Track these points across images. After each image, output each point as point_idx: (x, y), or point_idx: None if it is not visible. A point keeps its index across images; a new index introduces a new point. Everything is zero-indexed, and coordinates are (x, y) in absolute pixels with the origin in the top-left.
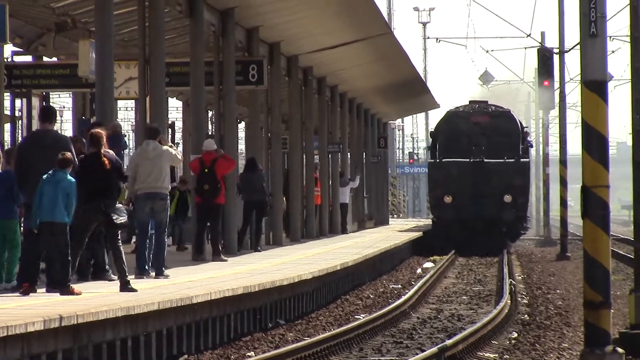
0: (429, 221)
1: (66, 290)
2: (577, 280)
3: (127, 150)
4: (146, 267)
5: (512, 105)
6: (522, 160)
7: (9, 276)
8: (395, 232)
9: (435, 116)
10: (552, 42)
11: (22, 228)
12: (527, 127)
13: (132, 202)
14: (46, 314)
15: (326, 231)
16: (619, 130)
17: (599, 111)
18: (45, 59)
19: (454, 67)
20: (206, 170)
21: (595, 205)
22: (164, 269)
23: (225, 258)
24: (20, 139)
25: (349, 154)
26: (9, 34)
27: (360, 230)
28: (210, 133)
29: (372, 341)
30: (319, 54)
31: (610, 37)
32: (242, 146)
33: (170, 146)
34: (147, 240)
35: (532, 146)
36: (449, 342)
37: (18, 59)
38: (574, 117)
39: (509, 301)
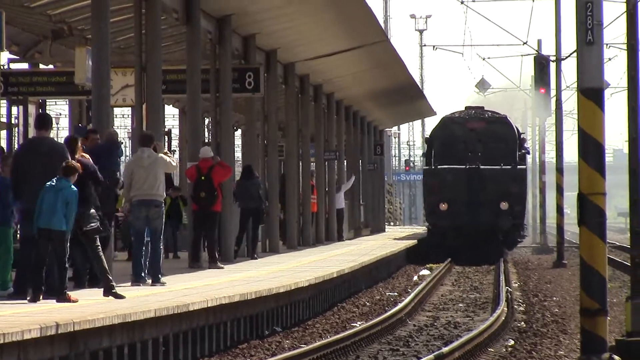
0: (425, 229)
1: (63, 298)
2: (574, 288)
3: (122, 157)
4: (142, 274)
5: (508, 113)
6: (518, 167)
7: (4, 284)
8: (392, 240)
9: (432, 123)
10: (548, 50)
11: (18, 235)
12: (523, 133)
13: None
14: (42, 321)
15: (322, 238)
16: (615, 138)
17: (596, 119)
18: (41, 66)
19: (450, 75)
20: (203, 177)
21: (591, 213)
22: (160, 276)
23: (222, 265)
24: (16, 146)
25: (345, 161)
26: (6, 41)
27: (357, 237)
28: (206, 140)
29: (368, 349)
30: (315, 61)
31: (607, 44)
32: (238, 154)
33: (165, 153)
34: (143, 248)
35: (529, 153)
36: (445, 349)
37: (14, 66)
38: (570, 125)
39: (506, 308)
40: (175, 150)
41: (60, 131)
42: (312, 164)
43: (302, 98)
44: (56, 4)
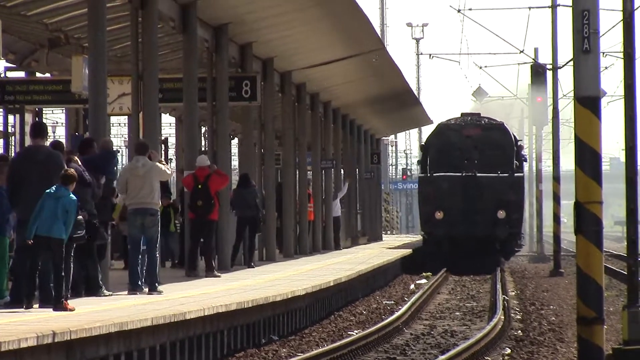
0: (420, 237)
1: (60, 306)
2: (571, 296)
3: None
4: (139, 283)
5: (505, 121)
6: (516, 174)
7: (0, 292)
8: (388, 248)
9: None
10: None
11: (14, 243)
12: (521, 140)
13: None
14: (39, 330)
15: (319, 247)
16: (612, 146)
17: (592, 127)
18: (38, 74)
19: (447, 83)
20: (199, 186)
21: (588, 221)
22: (157, 284)
23: (219, 274)
24: (13, 154)
25: (342, 170)
26: (2, 49)
27: (354, 246)
28: (203, 149)
29: (365, 357)
30: (312, 70)
31: (603, 53)
32: (235, 162)
33: (160, 161)
34: (139, 256)
35: (526, 160)
36: (442, 358)
37: (11, 74)
38: (567, 133)
39: (502, 317)
40: (171, 159)
41: (57, 139)
42: (308, 172)
43: (299, 106)
44: (53, 12)
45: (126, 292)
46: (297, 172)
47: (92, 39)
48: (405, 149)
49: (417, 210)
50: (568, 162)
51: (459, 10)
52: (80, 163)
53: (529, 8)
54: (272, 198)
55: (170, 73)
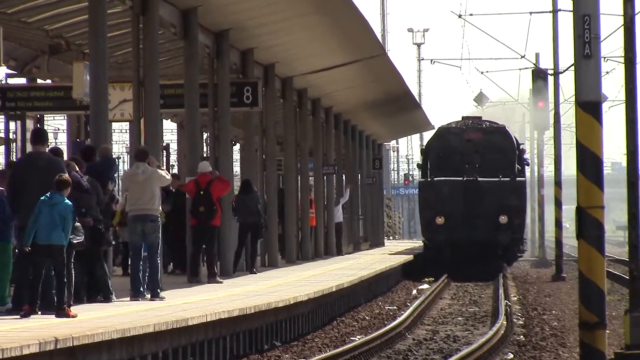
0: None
1: (62, 313)
2: (573, 301)
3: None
4: (141, 289)
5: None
6: (518, 179)
7: (2, 299)
8: (391, 254)
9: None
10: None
11: (16, 250)
12: (522, 144)
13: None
14: (41, 337)
15: (321, 253)
16: (613, 151)
17: (594, 132)
18: (39, 81)
19: (448, 89)
20: (201, 192)
21: (590, 226)
22: (159, 290)
23: (221, 280)
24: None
25: (343, 175)
26: (3, 56)
27: (356, 251)
28: (205, 155)
29: None
30: (313, 75)
31: (604, 58)
32: (237, 168)
33: (158, 166)
34: (141, 262)
35: (528, 164)
36: None
37: (12, 81)
38: (568, 138)
39: (505, 322)
40: (173, 165)
41: (59, 146)
42: (310, 178)
43: (300, 112)
44: (53, 19)
45: (128, 299)
46: (299, 178)
47: (93, 45)
48: (407, 154)
49: (419, 215)
50: (570, 166)
51: (459, 16)
52: (77, 170)
53: (530, 13)
54: (273, 204)
55: (172, 79)
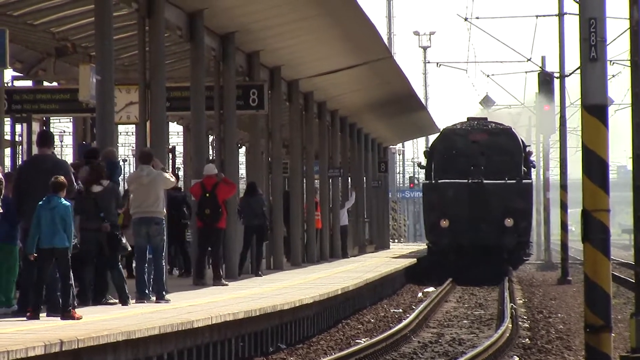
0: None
1: (67, 315)
2: (578, 304)
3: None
4: (146, 292)
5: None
6: (524, 181)
7: (8, 301)
8: (396, 257)
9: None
10: (552, 67)
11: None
12: (529, 145)
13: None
14: (47, 339)
15: (327, 255)
16: (619, 155)
17: (599, 135)
18: (45, 83)
19: (454, 92)
20: (207, 194)
21: (595, 229)
22: (164, 293)
23: (226, 282)
24: (20, 163)
25: (349, 178)
26: (9, 58)
27: (361, 254)
28: (211, 158)
29: None
30: (319, 78)
31: (610, 61)
32: (242, 171)
33: (163, 169)
34: (146, 265)
35: (534, 166)
36: None
37: (18, 83)
38: (574, 142)
39: (510, 325)
40: (179, 168)
41: (65, 148)
42: (316, 181)
43: (306, 115)
44: (60, 21)
45: (134, 301)
46: (305, 181)
47: (99, 47)
48: (412, 157)
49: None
50: (575, 170)
51: (466, 19)
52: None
53: (536, 16)
54: (279, 206)
55: (178, 82)
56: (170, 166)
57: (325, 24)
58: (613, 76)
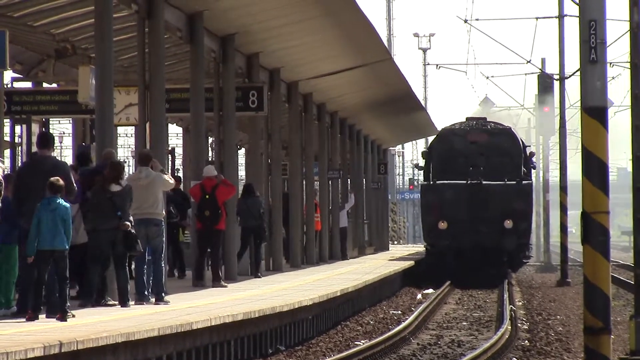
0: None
1: (65, 316)
2: (578, 306)
3: None
4: (146, 293)
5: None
6: (524, 182)
7: (8, 302)
8: (395, 258)
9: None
10: (552, 69)
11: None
12: (529, 146)
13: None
14: (46, 340)
15: (326, 257)
16: (619, 156)
17: (599, 137)
18: (45, 85)
19: (454, 93)
20: (207, 196)
21: (595, 231)
22: (163, 294)
23: (226, 284)
24: (20, 165)
25: (348, 180)
26: (9, 60)
27: (361, 256)
28: (210, 159)
29: None
30: (319, 80)
31: (610, 63)
32: (242, 172)
33: (162, 170)
34: (145, 266)
35: (535, 167)
36: None
37: (18, 85)
38: (574, 144)
39: (509, 327)
40: (178, 169)
41: (64, 150)
42: (315, 182)
43: (306, 116)
44: (59, 23)
45: (133, 302)
46: (304, 182)
47: (98, 49)
48: (412, 159)
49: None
50: (575, 172)
51: (465, 21)
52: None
53: (536, 18)
54: (278, 208)
55: (177, 83)
56: (170, 168)
57: (325, 26)
58: (613, 78)
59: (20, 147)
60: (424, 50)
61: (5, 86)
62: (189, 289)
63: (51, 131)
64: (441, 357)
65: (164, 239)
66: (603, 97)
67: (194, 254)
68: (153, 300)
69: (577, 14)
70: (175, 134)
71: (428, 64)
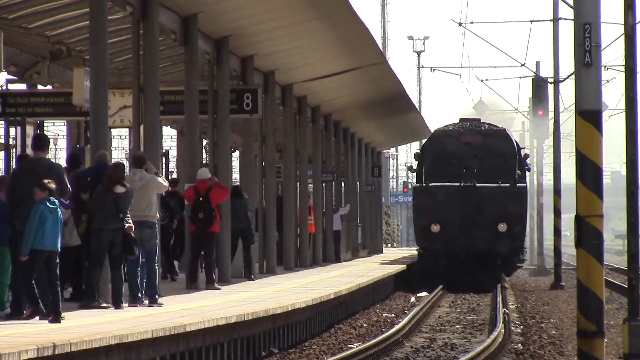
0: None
1: (57, 318)
2: (571, 310)
3: None
4: (139, 295)
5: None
6: (518, 184)
7: (1, 304)
8: (385, 262)
9: None
10: (546, 72)
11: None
12: (524, 147)
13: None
14: (40, 342)
15: (320, 260)
16: (613, 160)
17: (593, 141)
18: (39, 87)
19: (448, 96)
20: (201, 198)
21: (589, 235)
22: (157, 297)
23: (219, 286)
24: (14, 167)
25: (342, 183)
26: (4, 62)
27: (354, 259)
28: (204, 162)
29: None
30: (313, 82)
31: (604, 66)
32: (236, 175)
33: (156, 173)
34: (139, 269)
35: (529, 169)
36: None
37: (12, 87)
38: (568, 147)
39: (503, 330)
40: (172, 172)
41: (59, 152)
42: (309, 185)
43: (300, 119)
44: (54, 25)
45: (127, 304)
46: (298, 185)
47: (93, 51)
48: (406, 161)
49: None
50: (569, 175)
51: (460, 24)
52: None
53: (531, 21)
54: (272, 211)
55: (172, 85)
56: (164, 170)
57: (319, 28)
58: (607, 81)
59: (14, 149)
60: (419, 53)
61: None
62: (183, 291)
63: (46, 133)
64: None
65: (157, 241)
66: (597, 101)
67: (187, 256)
68: (146, 302)
69: (572, 17)
70: (169, 136)
71: (422, 67)
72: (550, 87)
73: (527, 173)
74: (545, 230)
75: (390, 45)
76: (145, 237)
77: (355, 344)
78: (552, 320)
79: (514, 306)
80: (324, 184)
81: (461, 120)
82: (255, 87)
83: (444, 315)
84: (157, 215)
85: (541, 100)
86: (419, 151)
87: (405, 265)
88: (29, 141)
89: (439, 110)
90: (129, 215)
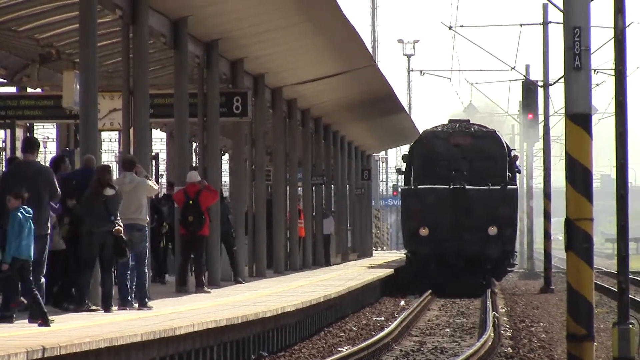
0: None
1: (46, 321)
2: (561, 313)
3: None
4: (129, 298)
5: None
6: (509, 187)
7: None
8: (372, 266)
9: None
10: (536, 75)
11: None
12: (514, 149)
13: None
14: (29, 345)
15: (309, 263)
16: (603, 163)
17: (583, 144)
18: (29, 90)
19: (438, 100)
20: (190, 202)
21: (579, 238)
22: (147, 300)
23: (209, 290)
24: (4, 169)
25: (332, 186)
26: None
27: (344, 262)
28: (194, 165)
29: None
30: (303, 86)
31: (594, 70)
32: (226, 178)
33: (146, 176)
34: (128, 272)
35: (520, 172)
36: None
37: (2, 89)
38: (558, 150)
39: (493, 334)
40: (162, 175)
41: (48, 155)
42: (299, 188)
43: (290, 122)
44: (44, 28)
45: (116, 308)
46: (288, 188)
47: (83, 54)
48: (396, 165)
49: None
50: (559, 178)
51: (450, 27)
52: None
53: (520, 25)
54: (262, 214)
55: (161, 89)
56: (154, 173)
57: (309, 32)
58: (597, 85)
59: (4, 152)
60: (409, 57)
61: None
62: (172, 294)
63: (35, 136)
64: None
65: (147, 244)
66: (587, 104)
67: (177, 259)
68: (136, 305)
69: (562, 21)
70: (159, 139)
71: (412, 71)
72: (540, 91)
73: (518, 175)
74: (535, 234)
75: (380, 49)
76: (135, 240)
77: (345, 348)
78: (541, 323)
79: (503, 310)
80: (313, 187)
81: (450, 121)
82: (245, 90)
83: (433, 318)
84: (147, 218)
85: (531, 104)
86: (407, 153)
87: (392, 270)
88: (18, 144)
89: (429, 113)
90: (119, 218)
